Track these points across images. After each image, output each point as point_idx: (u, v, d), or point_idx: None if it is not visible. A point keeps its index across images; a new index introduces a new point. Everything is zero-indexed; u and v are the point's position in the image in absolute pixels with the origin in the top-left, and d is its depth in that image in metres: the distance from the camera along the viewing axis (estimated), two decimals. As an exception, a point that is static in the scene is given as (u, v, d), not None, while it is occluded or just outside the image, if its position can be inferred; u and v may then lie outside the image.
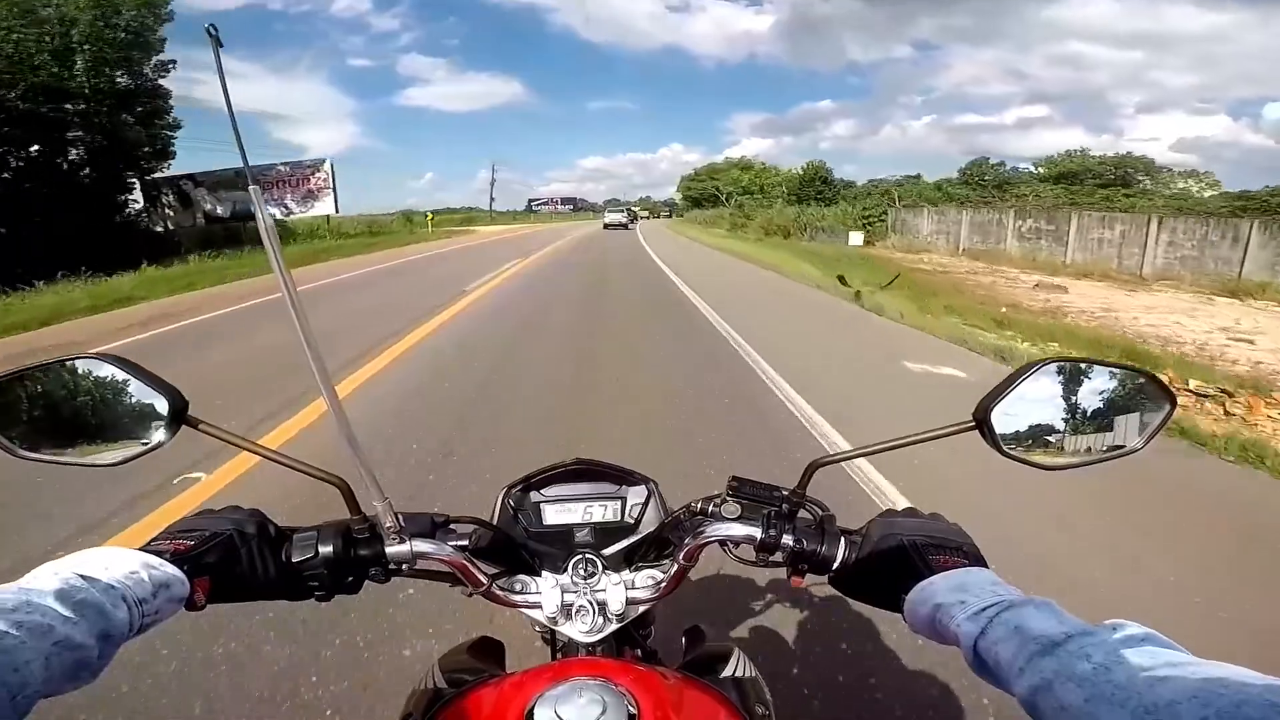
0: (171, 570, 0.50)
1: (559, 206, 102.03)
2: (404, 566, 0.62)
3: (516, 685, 0.54)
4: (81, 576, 0.44)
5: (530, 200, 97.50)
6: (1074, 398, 0.56)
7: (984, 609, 0.47)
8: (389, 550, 0.61)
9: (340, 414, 0.56)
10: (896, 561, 0.57)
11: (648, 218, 62.42)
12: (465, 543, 0.68)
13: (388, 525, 0.60)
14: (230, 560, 0.56)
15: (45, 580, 0.43)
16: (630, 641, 0.76)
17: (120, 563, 0.48)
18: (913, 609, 0.53)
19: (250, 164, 0.55)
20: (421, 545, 0.61)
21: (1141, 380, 0.57)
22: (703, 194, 65.99)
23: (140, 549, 0.51)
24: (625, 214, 42.65)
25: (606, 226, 38.42)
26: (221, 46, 0.49)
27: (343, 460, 0.58)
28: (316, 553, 0.59)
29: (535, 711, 0.48)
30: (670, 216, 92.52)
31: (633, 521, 0.78)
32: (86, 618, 0.42)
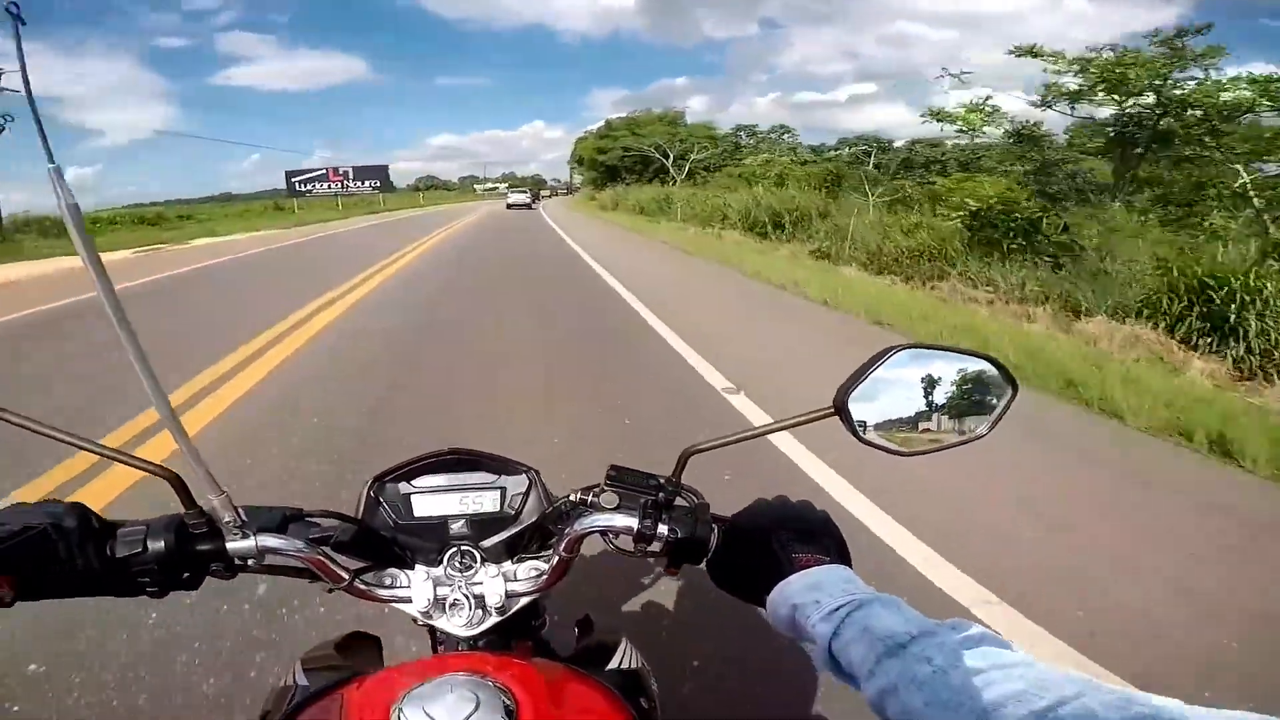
0: None
1: (349, 183, 54.93)
2: (249, 562, 0.59)
3: (383, 682, 0.52)
4: None
5: (290, 174, 53.56)
6: (925, 383, 0.58)
7: (837, 609, 0.48)
8: (230, 546, 0.57)
9: (164, 403, 0.52)
10: (761, 556, 0.58)
11: (533, 200, 44.94)
12: (325, 538, 0.64)
13: (226, 520, 0.56)
14: (44, 556, 0.51)
15: None
16: (521, 634, 0.74)
17: None
18: (774, 608, 0.54)
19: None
20: (269, 540, 0.58)
21: (985, 365, 0.60)
22: (623, 159, 45.34)
23: None
24: (528, 194, 44.47)
25: (510, 206, 40.64)
26: (24, 25, 0.46)
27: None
28: (145, 548, 0.55)
29: (404, 710, 0.46)
30: (566, 194, 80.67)
31: (513, 512, 0.76)
32: None
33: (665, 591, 1.95)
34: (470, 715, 0.45)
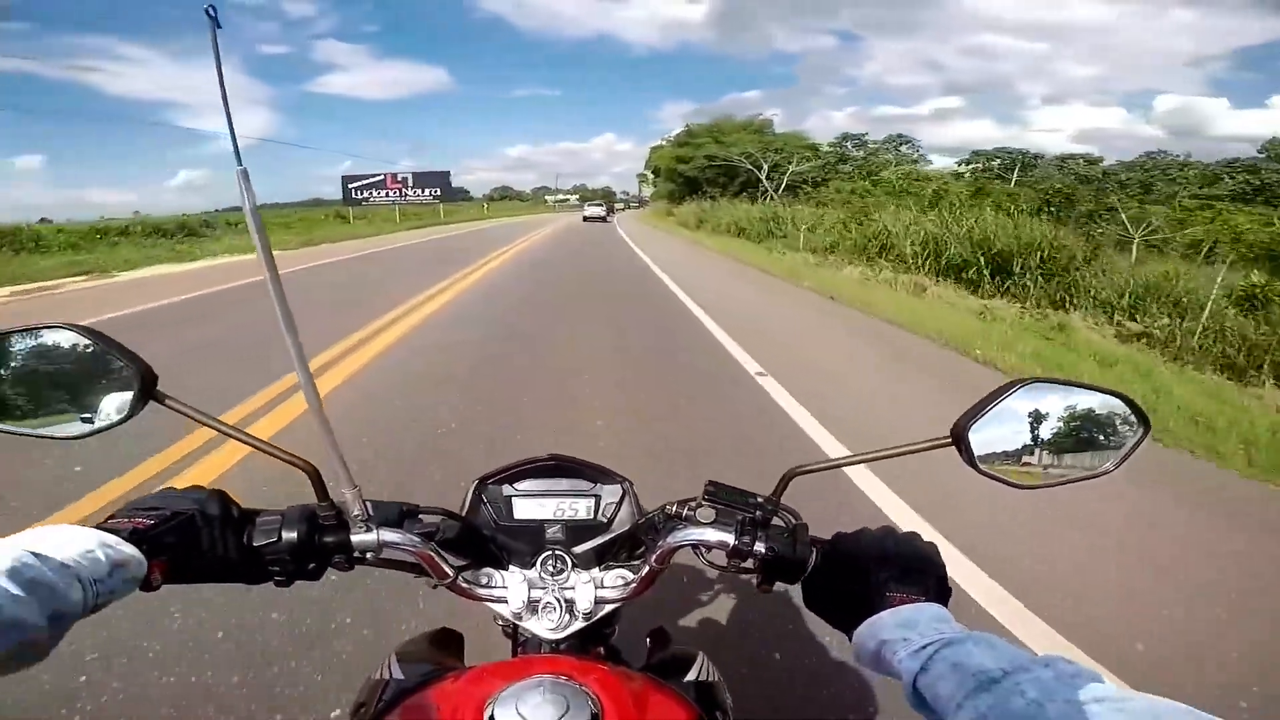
0: (129, 550, 0.49)
1: (407, 191, 46.75)
2: (369, 555, 0.62)
3: (476, 679, 0.53)
4: (34, 555, 0.43)
5: (347, 180, 46.60)
6: (1050, 417, 0.57)
7: (925, 645, 0.48)
8: (354, 538, 0.60)
9: (314, 398, 0.55)
10: (856, 587, 0.58)
11: (608, 214, 43.37)
12: (433, 533, 0.67)
13: (355, 513, 0.59)
14: (190, 541, 0.55)
15: None
16: (595, 640, 0.75)
17: (76, 541, 0.47)
18: (860, 641, 0.54)
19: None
20: (388, 534, 0.60)
21: (1117, 402, 0.57)
22: (705, 170, 39.90)
23: (98, 526, 0.50)
24: (603, 207, 45.15)
25: (586, 219, 41.00)
26: (220, 29, 0.48)
27: (315, 444, 0.56)
28: (280, 537, 0.58)
29: (496, 708, 0.48)
30: (638, 207, 77.93)
31: (605, 520, 0.77)
32: (38, 597, 0.41)
33: (731, 608, 1.94)
34: (561, 717, 0.47)
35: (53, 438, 0.58)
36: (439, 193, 47.90)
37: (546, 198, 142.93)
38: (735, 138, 41.30)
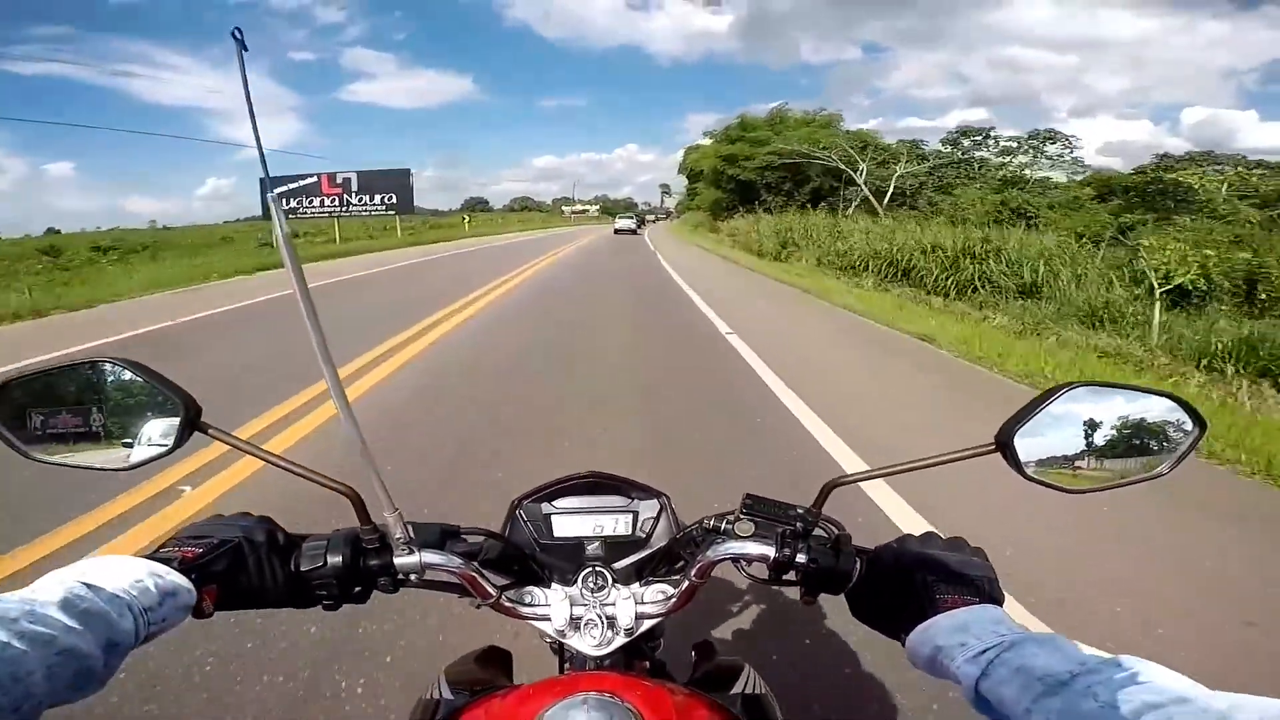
0: (178, 579, 0.50)
1: (350, 198, 30.93)
2: (412, 577, 0.62)
3: (523, 698, 0.54)
4: (87, 585, 0.44)
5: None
6: (1099, 420, 0.55)
7: (984, 650, 0.47)
8: (398, 561, 0.60)
9: (352, 421, 0.56)
10: (904, 594, 0.57)
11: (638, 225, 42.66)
12: (474, 553, 0.67)
13: (397, 536, 0.60)
14: (238, 568, 0.56)
15: (50, 590, 0.43)
16: (639, 654, 0.75)
17: (126, 571, 0.48)
18: (915, 647, 0.53)
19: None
20: (431, 557, 0.61)
21: (1169, 404, 0.56)
22: (764, 174, 30.64)
23: (148, 556, 0.51)
24: (634, 219, 45.58)
25: (617, 232, 40.14)
26: (246, 50, 0.49)
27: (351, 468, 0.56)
28: (325, 562, 0.59)
29: None
30: (665, 219, 75.39)
31: (644, 535, 0.77)
32: (91, 627, 0.42)
33: (776, 618, 1.93)
34: None
35: (100, 469, 0.59)
36: (393, 200, 31.62)
37: (563, 208, 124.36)
38: (801, 133, 31.03)
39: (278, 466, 0.59)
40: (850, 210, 22.05)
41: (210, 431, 0.57)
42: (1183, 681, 0.39)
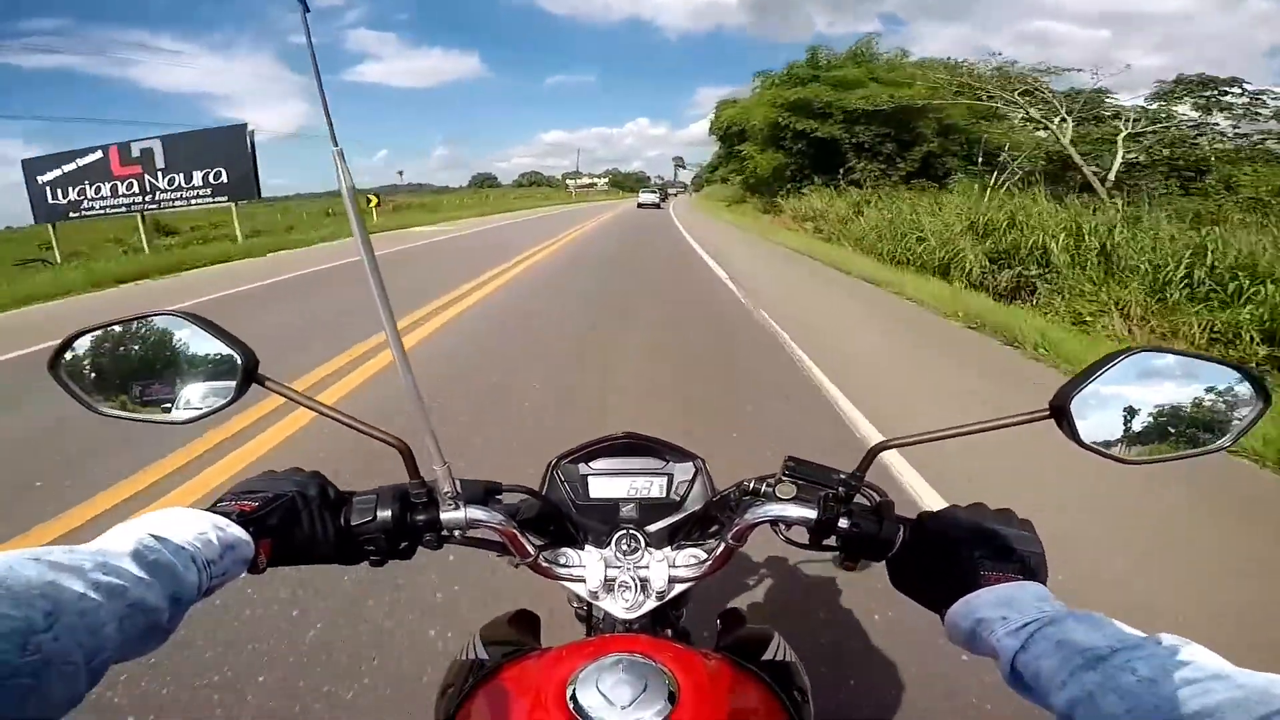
0: (239, 531, 0.50)
1: (155, 179, 14.15)
2: (456, 533, 0.63)
3: (557, 658, 0.55)
4: (155, 537, 0.44)
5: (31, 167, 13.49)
6: (1159, 389, 0.54)
7: (1025, 624, 0.47)
8: (444, 516, 0.61)
9: (409, 375, 0.56)
10: (948, 565, 0.56)
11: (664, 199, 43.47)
12: (515, 511, 0.68)
13: (445, 491, 0.60)
14: (291, 522, 0.56)
15: (121, 541, 0.42)
16: (664, 622, 0.75)
17: (191, 523, 0.48)
18: (954, 621, 0.53)
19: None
20: (476, 513, 0.61)
21: (1234, 374, 0.54)
22: (853, 132, 20.21)
23: (208, 509, 0.52)
24: (657, 194, 46.15)
25: (640, 205, 40.77)
26: (309, 12, 0.50)
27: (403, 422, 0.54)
28: (374, 517, 0.59)
29: (577, 686, 0.49)
30: (684, 192, 72.64)
31: (679, 499, 0.77)
32: (159, 579, 0.42)
33: (804, 588, 1.93)
34: (639, 695, 0.47)
35: (160, 422, 0.60)
36: (223, 178, 16.15)
37: (568, 183, 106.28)
38: (898, 74, 21.23)
39: (332, 418, 0.59)
40: (1003, 187, 12.46)
41: (268, 384, 0.58)
42: (1221, 661, 0.39)
